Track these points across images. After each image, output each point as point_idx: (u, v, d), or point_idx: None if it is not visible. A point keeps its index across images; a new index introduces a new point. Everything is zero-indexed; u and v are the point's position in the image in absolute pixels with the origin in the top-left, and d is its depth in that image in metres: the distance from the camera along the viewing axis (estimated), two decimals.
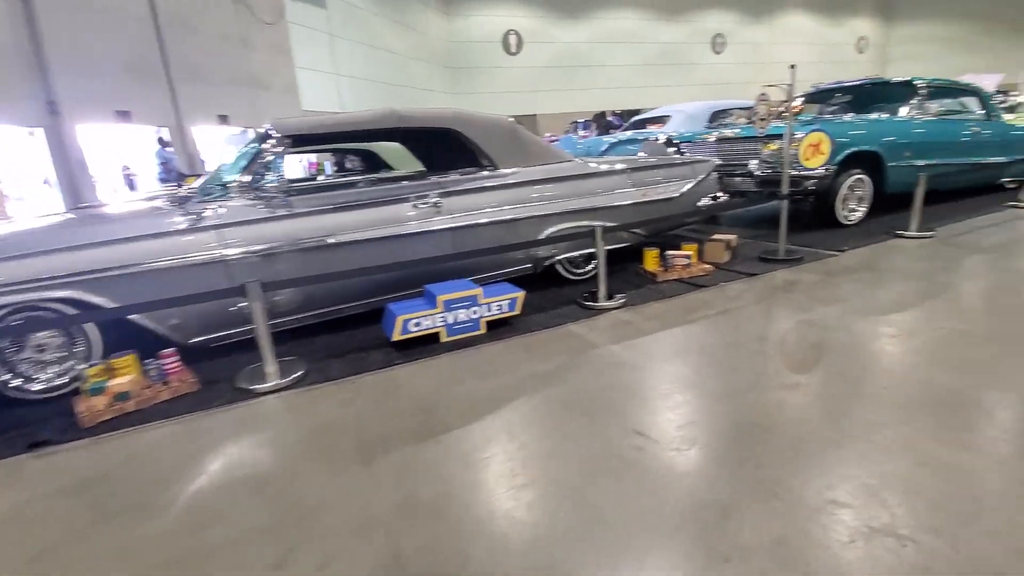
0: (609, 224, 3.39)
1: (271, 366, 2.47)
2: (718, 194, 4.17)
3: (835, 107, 5.95)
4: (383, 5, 18.65)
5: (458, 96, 23.14)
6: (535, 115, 24.29)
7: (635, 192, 3.72)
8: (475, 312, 2.86)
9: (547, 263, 3.53)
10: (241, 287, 2.38)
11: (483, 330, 2.90)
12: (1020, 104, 9.56)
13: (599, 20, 24.64)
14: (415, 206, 3.03)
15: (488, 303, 2.89)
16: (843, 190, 4.52)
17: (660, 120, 8.11)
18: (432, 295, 2.81)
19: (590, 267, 3.73)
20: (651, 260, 3.72)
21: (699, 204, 4.05)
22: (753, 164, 4.59)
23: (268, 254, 2.68)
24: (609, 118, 19.12)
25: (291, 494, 1.63)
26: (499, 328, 2.94)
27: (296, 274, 2.71)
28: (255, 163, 2.82)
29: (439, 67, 22.25)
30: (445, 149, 3.97)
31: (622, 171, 3.71)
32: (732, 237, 4.07)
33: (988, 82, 10.15)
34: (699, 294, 3.29)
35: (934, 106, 5.13)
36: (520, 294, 2.97)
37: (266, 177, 2.84)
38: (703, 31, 26.36)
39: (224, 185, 2.91)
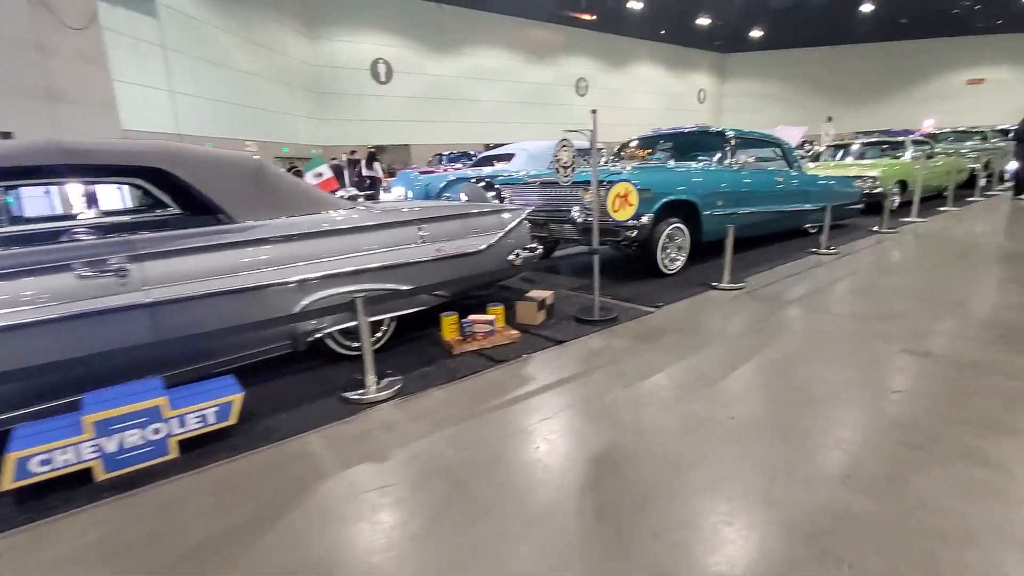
0: (378, 290, 2.75)
1: None
2: (533, 245, 3.75)
3: (664, 152, 6.03)
4: (233, 21, 16.96)
5: (326, 122, 21.79)
6: (408, 145, 23.67)
7: (427, 247, 3.13)
8: (157, 431, 2.00)
9: (312, 338, 2.78)
10: None
11: (174, 454, 2.05)
12: (822, 152, 10.84)
13: (470, 56, 24.91)
14: (80, 276, 2.12)
15: (181, 415, 2.05)
16: (663, 239, 4.37)
17: (506, 158, 7.85)
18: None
19: (375, 336, 3.05)
20: (449, 328, 3.13)
21: (510, 258, 3.58)
22: (575, 211, 4.29)
23: None
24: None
25: None
26: (206, 446, 2.11)
27: None
28: None
29: (302, 91, 20.77)
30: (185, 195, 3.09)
31: (410, 222, 3.11)
32: (548, 294, 3.65)
33: (795, 133, 11.48)
34: (495, 373, 2.74)
35: (744, 156, 5.31)
36: (235, 397, 2.17)
37: None
38: (568, 75, 27.88)
39: None
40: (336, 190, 6.73)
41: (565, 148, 3.39)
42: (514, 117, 26.10)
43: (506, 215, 3.61)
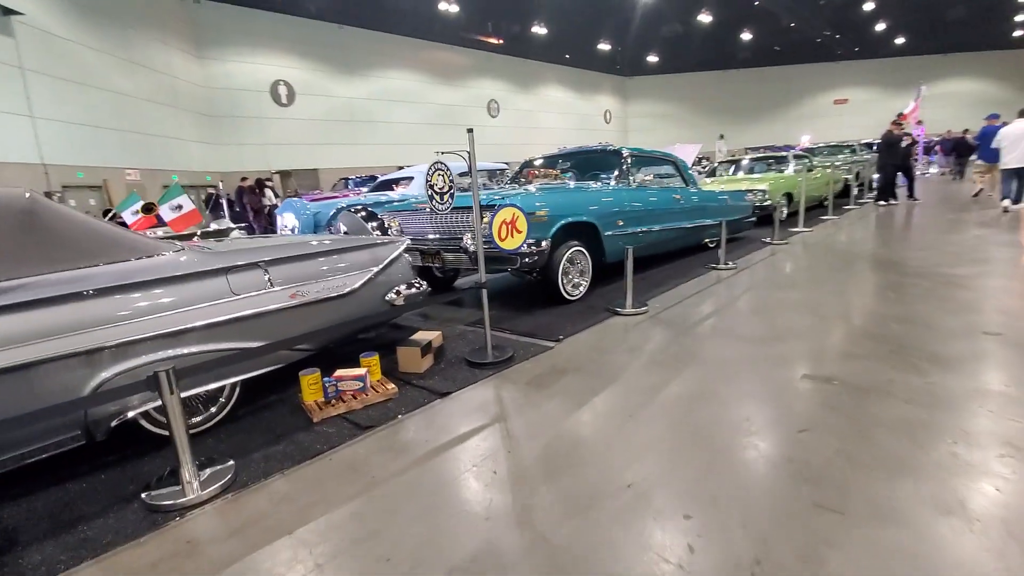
0: (210, 352, 2.21)
1: None
2: (416, 281, 3.32)
3: (568, 172, 5.84)
4: (108, 41, 15.23)
5: (223, 147, 20.14)
6: (316, 169, 22.48)
7: (277, 293, 2.61)
8: None
9: (116, 422, 2.15)
10: None
11: None
12: (717, 167, 11.34)
13: (379, 78, 24.29)
14: None
15: None
16: (563, 264, 4.10)
17: (405, 181, 7.40)
18: None
19: (210, 412, 2.47)
20: (309, 389, 2.61)
21: (389, 297, 3.13)
22: (467, 239, 3.92)
23: None
24: None
25: None
26: None
27: None
28: None
29: (193, 114, 19.09)
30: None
31: (253, 264, 2.58)
32: (435, 335, 3.23)
33: (691, 150, 12.01)
34: (358, 445, 2.26)
35: (642, 175, 5.24)
36: None
37: None
38: (480, 96, 27.96)
39: None
40: (200, 223, 5.94)
41: (439, 172, 3.01)
42: (428, 139, 25.65)
43: (382, 248, 3.16)
